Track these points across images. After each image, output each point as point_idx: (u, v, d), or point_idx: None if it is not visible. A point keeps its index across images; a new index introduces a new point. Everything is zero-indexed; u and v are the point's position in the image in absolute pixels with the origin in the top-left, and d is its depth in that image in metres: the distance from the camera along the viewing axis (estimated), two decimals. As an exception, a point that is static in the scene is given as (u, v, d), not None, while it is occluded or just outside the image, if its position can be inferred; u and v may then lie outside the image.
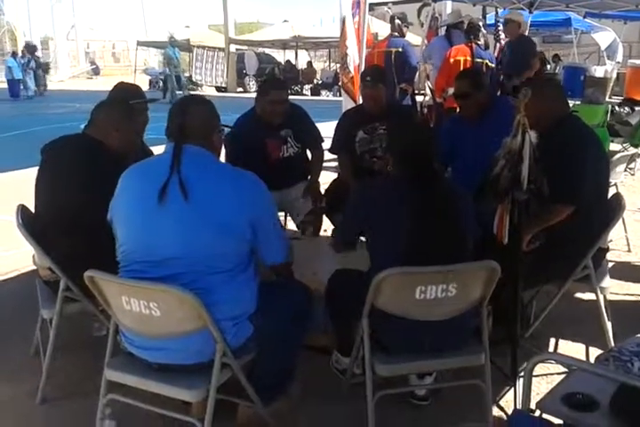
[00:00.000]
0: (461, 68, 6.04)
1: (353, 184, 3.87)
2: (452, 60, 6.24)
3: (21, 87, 20.72)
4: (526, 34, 8.55)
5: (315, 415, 2.58)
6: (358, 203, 2.53)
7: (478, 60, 6.24)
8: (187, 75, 17.88)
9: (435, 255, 2.24)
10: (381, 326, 2.32)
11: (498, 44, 8.06)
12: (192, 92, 16.94)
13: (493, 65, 6.39)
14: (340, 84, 7.33)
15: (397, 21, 6.89)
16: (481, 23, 6.62)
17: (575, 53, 15.44)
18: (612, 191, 3.12)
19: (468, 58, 6.22)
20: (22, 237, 2.63)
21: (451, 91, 6.18)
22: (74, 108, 16.66)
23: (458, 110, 5.79)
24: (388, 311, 2.27)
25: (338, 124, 4.32)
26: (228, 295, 2.09)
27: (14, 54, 21.73)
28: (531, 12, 9.36)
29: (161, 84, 25.18)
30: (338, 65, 7.42)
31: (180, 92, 16.92)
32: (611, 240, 3.25)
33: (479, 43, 6.31)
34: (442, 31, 7.86)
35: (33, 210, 2.80)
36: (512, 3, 9.03)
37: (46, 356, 2.70)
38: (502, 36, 7.95)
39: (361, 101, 6.36)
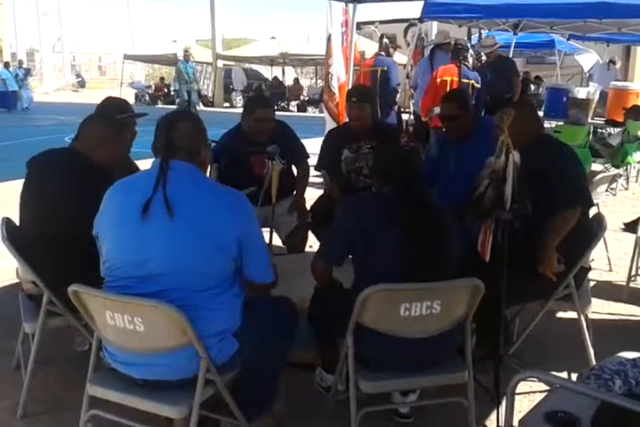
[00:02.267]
0: (448, 88, 6.11)
1: (340, 202, 3.89)
2: (438, 79, 6.29)
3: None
4: (509, 55, 8.68)
5: (298, 432, 2.57)
6: (346, 217, 2.54)
7: (465, 80, 6.30)
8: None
9: (420, 273, 2.25)
10: (366, 342, 2.32)
11: (478, 64, 8.20)
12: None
13: (479, 85, 6.46)
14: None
15: (385, 41, 6.95)
16: (468, 44, 6.70)
17: (558, 75, 15.66)
18: (593, 211, 3.16)
19: (455, 78, 6.27)
20: (6, 250, 2.62)
21: (437, 110, 6.26)
22: (58, 120, 16.65)
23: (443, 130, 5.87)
24: (373, 328, 2.27)
25: (323, 142, 4.35)
26: (214, 312, 2.08)
27: (7, 65, 21.62)
28: (515, 34, 9.52)
29: (147, 97, 25.32)
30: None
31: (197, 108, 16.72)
32: (592, 260, 3.28)
33: (466, 63, 6.38)
34: (427, 51, 7.96)
35: (17, 222, 2.79)
36: (497, 24, 9.18)
37: (27, 370, 2.67)
38: (484, 57, 8.08)
39: (343, 121, 6.43)
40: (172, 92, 21.62)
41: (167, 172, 2.09)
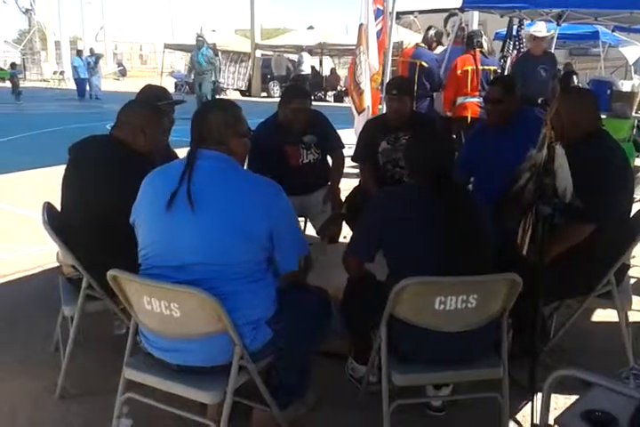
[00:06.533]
0: (469, 78, 6.10)
1: (375, 193, 3.87)
2: (459, 71, 6.25)
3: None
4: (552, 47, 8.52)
5: (329, 422, 2.58)
6: (375, 210, 2.49)
7: (485, 67, 6.28)
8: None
9: (455, 265, 2.22)
10: (399, 335, 2.31)
11: (515, 52, 8.16)
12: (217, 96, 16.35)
13: (499, 71, 6.44)
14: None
15: (431, 33, 6.80)
16: (481, 31, 6.63)
17: (602, 67, 15.30)
18: (636, 207, 3.08)
19: (473, 67, 6.25)
20: (47, 234, 2.67)
21: (460, 100, 6.22)
22: (101, 108, 16.93)
23: (469, 119, 5.85)
24: (407, 321, 2.26)
25: (360, 133, 4.32)
26: (247, 300, 2.10)
27: (79, 53, 21.91)
28: (559, 24, 9.29)
29: (187, 87, 25.46)
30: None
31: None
32: (634, 256, 3.21)
33: (482, 50, 6.32)
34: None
35: (59, 207, 2.84)
36: (540, 15, 8.99)
37: (66, 352, 2.73)
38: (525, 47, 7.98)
39: (364, 112, 6.39)
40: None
41: (195, 162, 2.10)
